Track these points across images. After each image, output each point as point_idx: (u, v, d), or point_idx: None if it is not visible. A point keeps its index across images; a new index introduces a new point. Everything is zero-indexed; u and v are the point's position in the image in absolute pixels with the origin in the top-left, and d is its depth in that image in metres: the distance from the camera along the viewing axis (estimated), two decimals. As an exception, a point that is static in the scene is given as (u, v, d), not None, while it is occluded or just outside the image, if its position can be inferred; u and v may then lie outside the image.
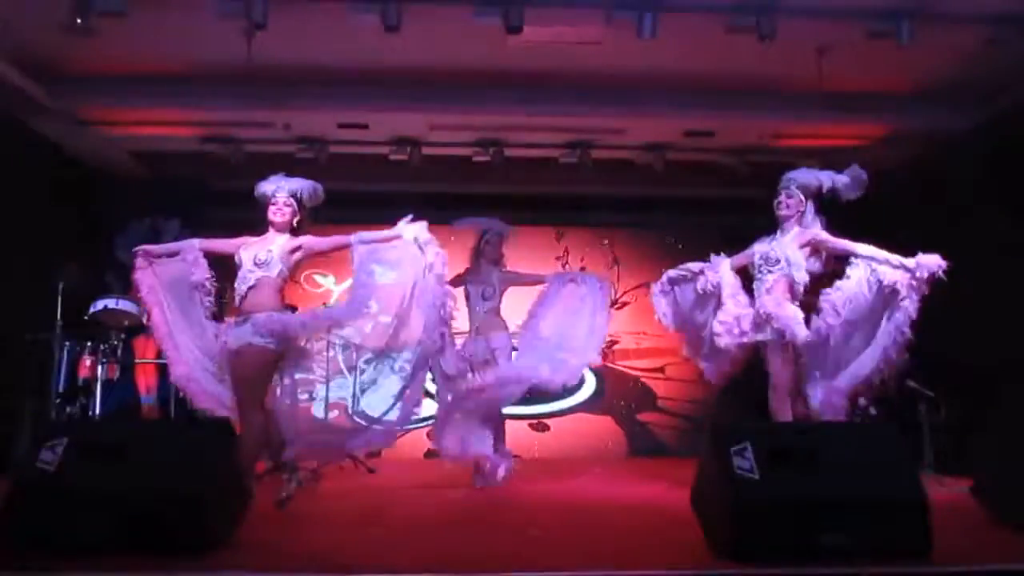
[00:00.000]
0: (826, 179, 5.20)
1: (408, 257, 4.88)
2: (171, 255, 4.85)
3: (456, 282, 5.80)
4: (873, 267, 5.06)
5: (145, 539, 3.08)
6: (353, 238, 4.86)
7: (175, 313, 4.83)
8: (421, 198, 8.68)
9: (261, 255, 4.61)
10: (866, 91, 6.83)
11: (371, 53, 6.16)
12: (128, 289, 6.58)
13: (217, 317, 4.95)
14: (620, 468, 7.48)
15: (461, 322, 5.74)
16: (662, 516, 4.47)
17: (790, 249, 5.10)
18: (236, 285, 4.63)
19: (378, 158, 7.93)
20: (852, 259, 5.15)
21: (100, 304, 6.25)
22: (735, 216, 8.10)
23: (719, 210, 8.59)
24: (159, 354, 6.58)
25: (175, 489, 3.14)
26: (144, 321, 6.24)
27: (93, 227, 7.78)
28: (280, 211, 4.71)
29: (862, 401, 6.58)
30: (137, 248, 4.85)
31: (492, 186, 8.35)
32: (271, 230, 4.74)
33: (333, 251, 5.05)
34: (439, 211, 8.69)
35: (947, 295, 6.51)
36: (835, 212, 7.68)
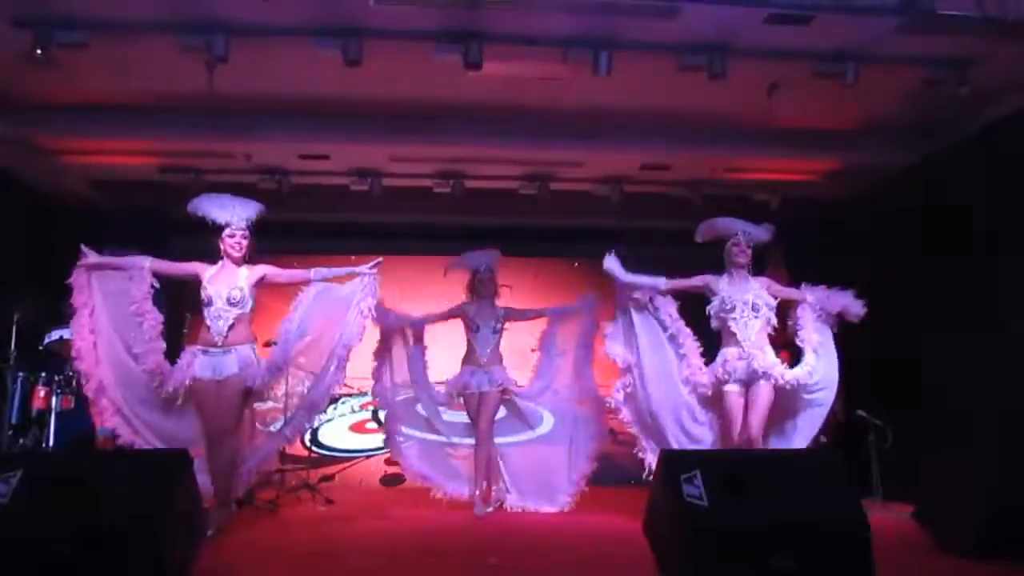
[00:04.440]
0: (761, 233, 5.61)
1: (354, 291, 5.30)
2: (117, 268, 4.95)
3: (454, 314, 6.22)
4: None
5: (101, 573, 3.06)
6: (312, 274, 5.19)
7: (108, 329, 4.88)
8: (382, 229, 8.80)
9: (235, 294, 4.83)
10: (814, 127, 7.06)
11: (332, 85, 6.23)
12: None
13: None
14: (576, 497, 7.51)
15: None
16: (615, 544, 4.54)
17: (766, 295, 5.43)
18: (210, 321, 4.82)
19: (339, 189, 7.98)
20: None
21: (55, 334, 6.18)
22: (689, 247, 8.28)
23: (674, 241, 8.75)
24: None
25: (131, 521, 3.13)
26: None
27: (49, 256, 7.69)
28: (238, 244, 4.90)
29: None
30: (84, 259, 4.89)
31: (453, 217, 8.44)
32: (228, 261, 4.85)
33: (290, 285, 5.20)
34: (399, 241, 8.86)
35: (892, 324, 6.72)
36: (790, 244, 7.90)
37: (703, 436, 5.53)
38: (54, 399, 6.14)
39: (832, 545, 3.26)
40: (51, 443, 6.09)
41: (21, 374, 6.22)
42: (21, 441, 6.11)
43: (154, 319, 4.94)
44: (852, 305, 5.54)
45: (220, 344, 4.78)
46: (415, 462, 6.14)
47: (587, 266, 9.19)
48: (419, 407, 6.27)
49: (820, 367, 5.44)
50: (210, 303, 4.84)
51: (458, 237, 8.25)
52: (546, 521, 5.78)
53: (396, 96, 6.54)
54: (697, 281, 5.56)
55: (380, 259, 5.48)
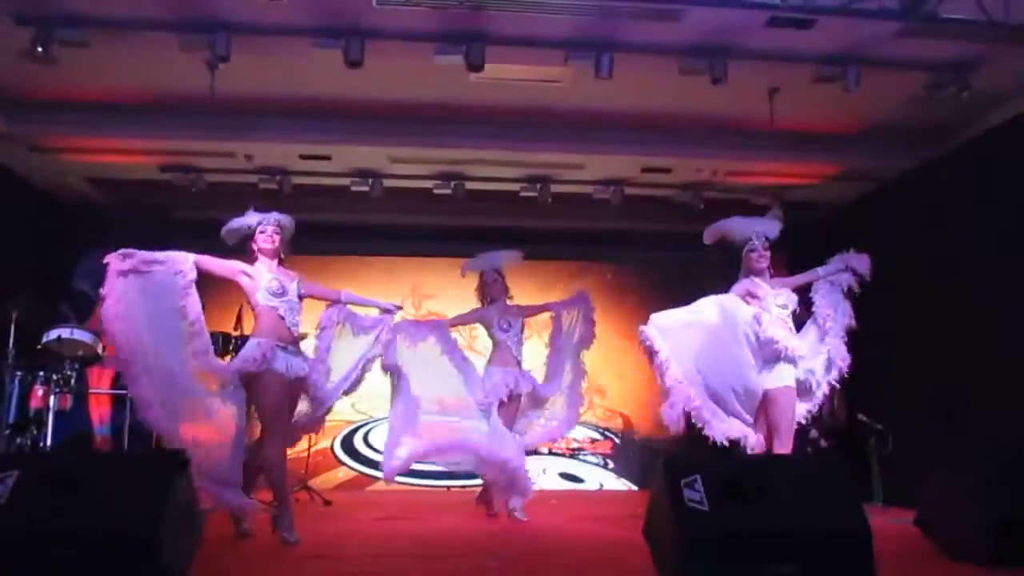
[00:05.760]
0: (774, 228, 5.31)
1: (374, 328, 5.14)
2: (155, 263, 4.51)
3: (473, 318, 6.11)
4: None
5: (98, 573, 3.04)
6: (343, 296, 5.05)
7: (150, 329, 4.45)
8: (382, 230, 8.80)
9: (300, 290, 4.77)
10: (816, 131, 7.06)
11: (333, 86, 6.23)
12: (83, 319, 6.52)
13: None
14: (576, 499, 7.51)
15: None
16: (615, 548, 4.52)
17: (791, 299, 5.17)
18: (286, 313, 4.66)
19: (340, 189, 7.98)
20: None
21: (54, 333, 6.14)
22: (689, 250, 8.29)
23: (674, 244, 8.76)
24: (113, 384, 6.51)
25: (128, 523, 3.11)
26: (99, 351, 6.20)
27: (48, 255, 7.69)
28: (271, 238, 4.75)
29: (813, 433, 6.75)
30: (121, 252, 4.43)
31: (452, 218, 8.44)
32: (262, 257, 4.76)
33: (320, 299, 5.11)
34: (399, 243, 8.88)
35: (893, 329, 6.72)
36: (791, 247, 7.91)
37: None
38: (52, 398, 6.09)
39: (834, 551, 3.24)
40: (49, 442, 6.06)
41: (19, 373, 6.19)
42: (19, 440, 6.07)
43: (197, 310, 4.57)
44: (854, 260, 5.26)
45: (292, 339, 4.68)
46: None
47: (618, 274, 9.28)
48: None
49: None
50: (283, 293, 4.67)
51: (459, 239, 8.28)
52: (546, 524, 5.75)
53: (397, 97, 6.54)
54: (742, 291, 5.14)
55: (402, 306, 5.38)
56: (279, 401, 4.58)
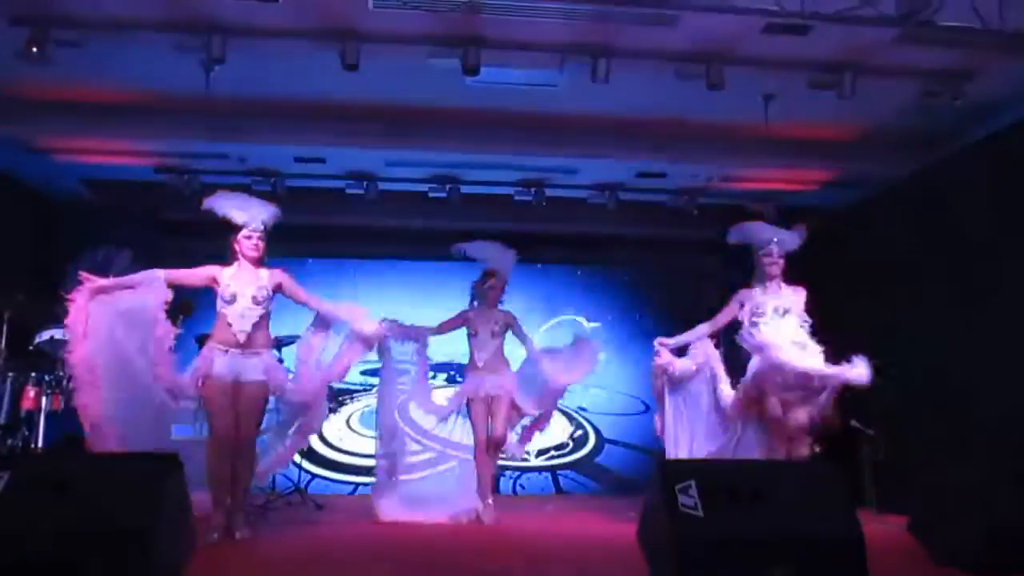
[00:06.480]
0: (794, 239, 5.47)
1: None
2: (129, 287, 4.68)
3: (456, 324, 6.07)
4: None
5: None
6: (321, 307, 5.09)
7: (121, 347, 4.62)
8: (376, 233, 8.79)
9: (260, 293, 4.77)
10: (811, 137, 7.07)
11: (329, 88, 6.22)
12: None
13: None
14: (571, 505, 7.50)
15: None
16: (610, 553, 4.51)
17: (798, 301, 5.31)
18: (233, 320, 4.70)
19: (334, 192, 7.97)
20: None
21: (47, 334, 6.11)
22: (683, 256, 8.34)
23: (669, 249, 8.79)
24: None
25: (121, 524, 3.09)
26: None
27: (42, 256, 7.66)
28: (256, 246, 4.82)
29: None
30: (85, 277, 4.61)
31: (447, 222, 8.42)
32: (244, 261, 4.81)
33: (296, 302, 5.12)
34: (393, 246, 8.85)
35: (890, 335, 6.71)
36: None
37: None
38: (44, 400, 6.07)
39: (827, 556, 3.25)
40: (40, 444, 6.03)
41: (11, 374, 6.16)
42: (10, 442, 6.04)
43: (165, 331, 4.71)
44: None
45: (242, 343, 4.68)
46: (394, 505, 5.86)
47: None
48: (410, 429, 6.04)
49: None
50: (234, 300, 4.70)
51: (453, 242, 8.29)
52: (539, 529, 5.74)
53: (393, 100, 6.53)
54: (735, 306, 5.39)
55: (384, 320, 5.50)
56: (218, 404, 4.65)
